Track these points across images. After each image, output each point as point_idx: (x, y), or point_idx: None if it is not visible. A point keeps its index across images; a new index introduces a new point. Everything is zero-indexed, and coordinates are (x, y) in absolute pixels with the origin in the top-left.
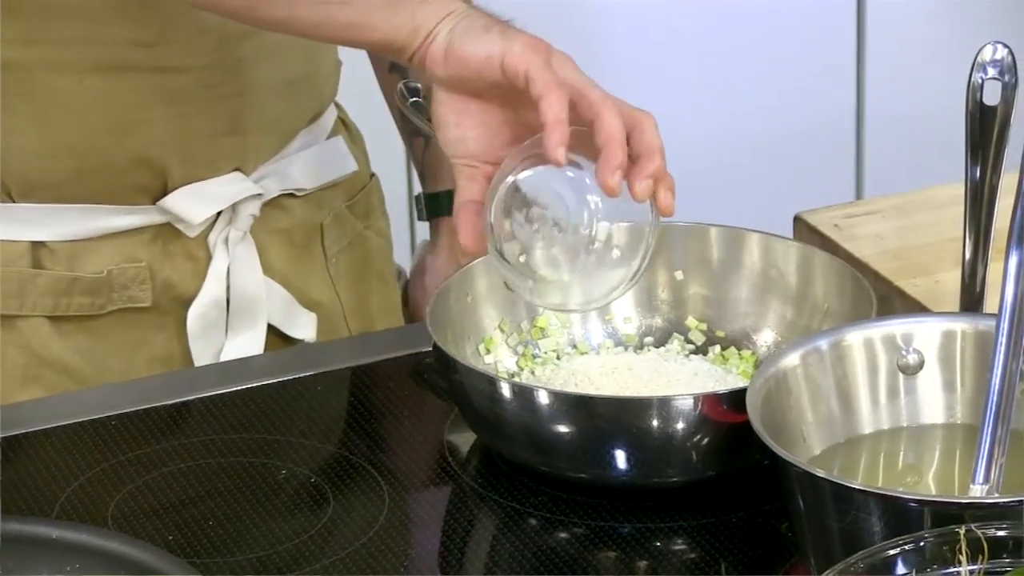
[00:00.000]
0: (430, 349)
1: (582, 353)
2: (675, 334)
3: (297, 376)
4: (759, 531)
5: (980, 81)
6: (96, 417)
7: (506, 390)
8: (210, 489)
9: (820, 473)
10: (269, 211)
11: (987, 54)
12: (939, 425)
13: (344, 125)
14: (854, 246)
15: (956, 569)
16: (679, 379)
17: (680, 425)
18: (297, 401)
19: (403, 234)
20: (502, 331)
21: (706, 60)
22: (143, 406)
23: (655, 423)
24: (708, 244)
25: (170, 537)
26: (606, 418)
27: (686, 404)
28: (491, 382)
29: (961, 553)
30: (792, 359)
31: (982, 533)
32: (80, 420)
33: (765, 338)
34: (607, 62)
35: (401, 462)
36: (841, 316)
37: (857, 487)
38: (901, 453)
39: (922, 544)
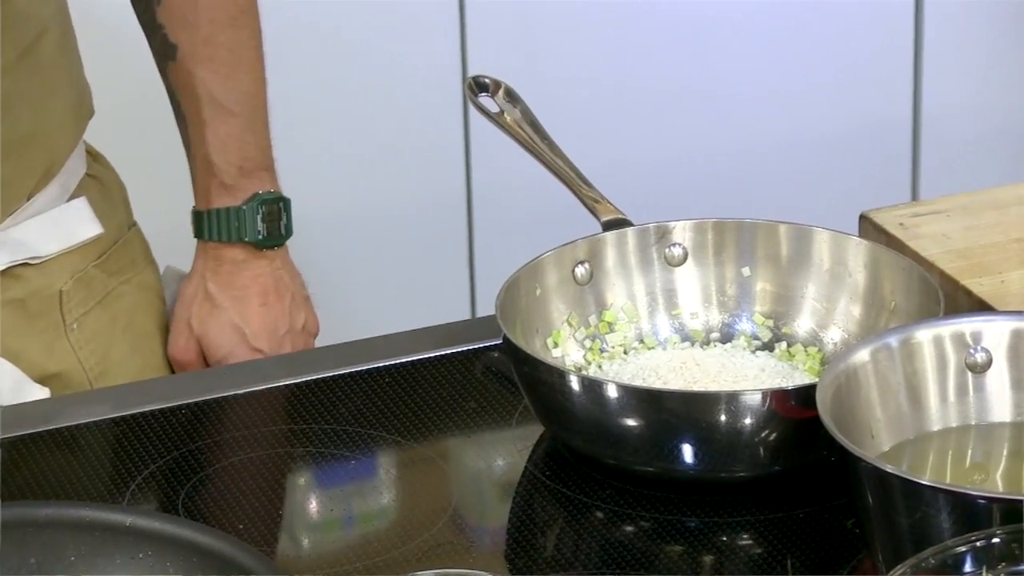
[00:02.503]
0: (498, 342)
1: (649, 348)
2: (741, 330)
3: (365, 368)
4: (826, 527)
5: None
6: (167, 406)
7: (576, 384)
8: (279, 478)
9: (890, 469)
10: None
11: None
12: (1007, 423)
13: (95, 179)
14: (919, 245)
15: None
16: (746, 375)
17: (748, 420)
18: (365, 392)
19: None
20: (570, 325)
21: (763, 60)
22: (213, 395)
23: (723, 418)
24: (776, 241)
25: (240, 525)
26: (674, 412)
27: (755, 399)
28: (561, 375)
29: None
30: (862, 355)
31: None
32: (151, 408)
33: (832, 335)
34: (667, 62)
35: (469, 454)
36: (907, 314)
37: (927, 484)
38: (969, 451)
39: (993, 541)
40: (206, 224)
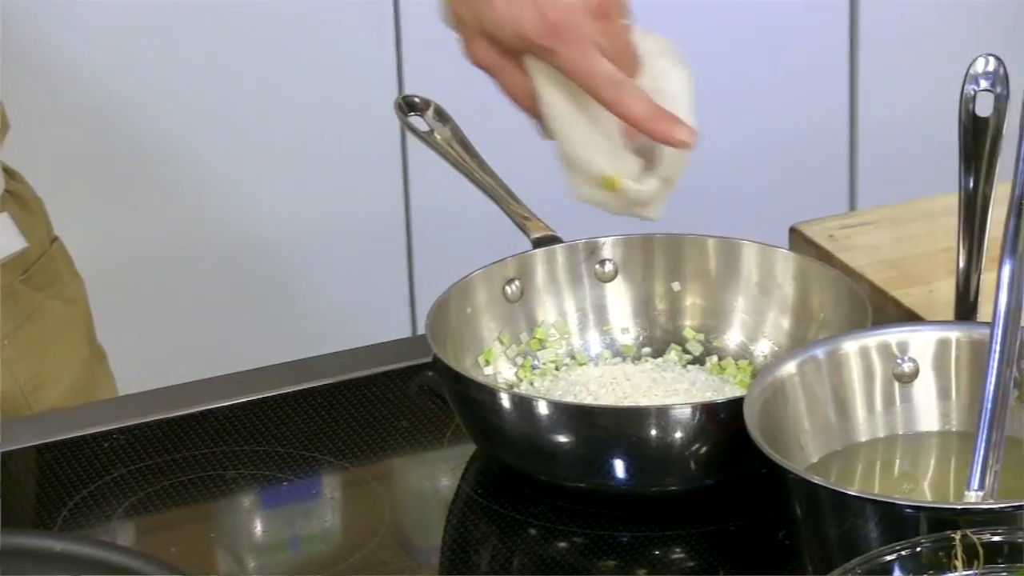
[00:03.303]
0: (430, 361)
1: (580, 364)
2: (673, 344)
3: (297, 388)
4: (757, 539)
5: (972, 93)
6: (99, 430)
7: (506, 401)
8: (212, 501)
9: (817, 480)
10: None
11: (979, 66)
12: (934, 432)
13: (13, 195)
14: (849, 256)
15: (952, 574)
16: (677, 389)
17: (678, 434)
18: (298, 413)
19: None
20: (501, 343)
21: (696, 68)
22: (145, 419)
23: (654, 432)
24: (705, 255)
25: (173, 549)
26: (605, 428)
27: (684, 413)
28: (492, 393)
29: (956, 558)
30: (789, 368)
31: (977, 538)
32: (83, 433)
33: (762, 348)
34: None
35: (401, 473)
36: (837, 326)
37: (854, 494)
38: (897, 460)
39: (918, 550)
40: None
